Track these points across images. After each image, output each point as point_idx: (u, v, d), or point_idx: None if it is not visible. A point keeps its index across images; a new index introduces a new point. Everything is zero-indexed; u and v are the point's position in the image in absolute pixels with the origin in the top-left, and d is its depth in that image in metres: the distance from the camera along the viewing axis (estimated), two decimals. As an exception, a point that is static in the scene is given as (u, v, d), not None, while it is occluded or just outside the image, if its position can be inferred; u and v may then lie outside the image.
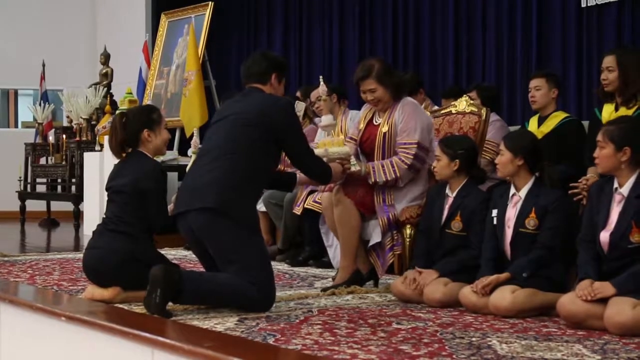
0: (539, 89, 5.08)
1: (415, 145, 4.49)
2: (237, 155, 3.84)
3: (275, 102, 3.98)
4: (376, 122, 4.68)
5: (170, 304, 3.65)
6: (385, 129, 4.58)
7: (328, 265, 5.45)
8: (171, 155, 8.08)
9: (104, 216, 4.25)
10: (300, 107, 6.22)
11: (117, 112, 6.24)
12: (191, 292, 3.66)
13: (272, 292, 3.82)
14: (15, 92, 12.81)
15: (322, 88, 4.71)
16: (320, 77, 4.76)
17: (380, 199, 4.52)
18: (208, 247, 3.83)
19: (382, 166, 4.49)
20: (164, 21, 9.75)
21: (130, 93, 8.87)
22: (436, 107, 5.93)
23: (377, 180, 4.47)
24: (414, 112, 4.57)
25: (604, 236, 3.53)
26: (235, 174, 3.80)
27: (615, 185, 3.58)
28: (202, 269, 4.04)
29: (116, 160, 4.34)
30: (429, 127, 4.62)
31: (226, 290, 3.72)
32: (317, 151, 4.34)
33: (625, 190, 3.53)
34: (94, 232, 4.24)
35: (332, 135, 4.53)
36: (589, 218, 3.66)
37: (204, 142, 4.10)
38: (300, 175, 4.25)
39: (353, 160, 4.45)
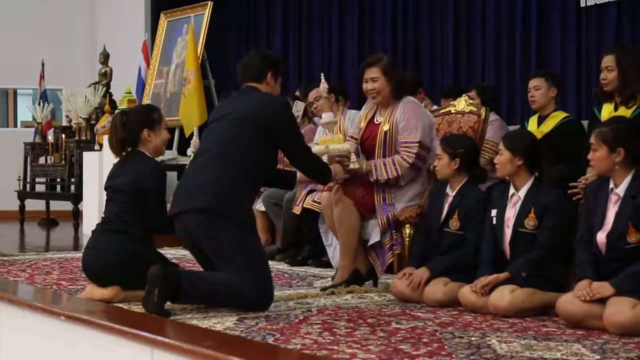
0: (538, 89, 5.09)
1: (417, 144, 4.49)
2: (233, 156, 3.83)
3: (271, 101, 3.97)
4: (377, 120, 4.68)
5: (168, 303, 3.65)
6: (386, 127, 4.58)
7: (327, 264, 5.45)
8: (170, 154, 8.08)
9: (103, 215, 4.24)
10: (300, 106, 6.22)
11: (117, 110, 6.23)
12: (189, 291, 3.66)
13: (270, 291, 3.82)
14: (15, 92, 12.81)
15: (323, 85, 4.70)
16: (322, 74, 4.75)
17: (381, 198, 4.52)
18: (204, 248, 3.83)
19: (384, 164, 4.49)
20: (163, 21, 9.75)
21: (130, 92, 8.87)
22: (435, 107, 5.94)
23: (379, 178, 4.47)
24: (416, 111, 4.58)
25: (601, 237, 3.52)
26: (231, 174, 3.80)
27: (611, 185, 3.57)
28: (201, 269, 4.04)
29: (115, 160, 4.34)
30: (430, 126, 4.63)
31: (224, 290, 3.72)
32: (317, 148, 4.34)
33: (621, 190, 3.53)
34: (93, 232, 4.24)
35: (332, 133, 4.53)
36: (585, 219, 3.66)
37: (201, 142, 4.10)
38: (300, 173, 4.24)
39: (353, 157, 4.44)
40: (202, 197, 3.77)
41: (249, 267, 3.73)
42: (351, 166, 4.41)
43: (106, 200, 4.25)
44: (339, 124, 5.71)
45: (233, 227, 3.75)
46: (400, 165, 4.47)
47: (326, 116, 4.58)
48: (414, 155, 4.48)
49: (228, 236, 3.74)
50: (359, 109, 5.11)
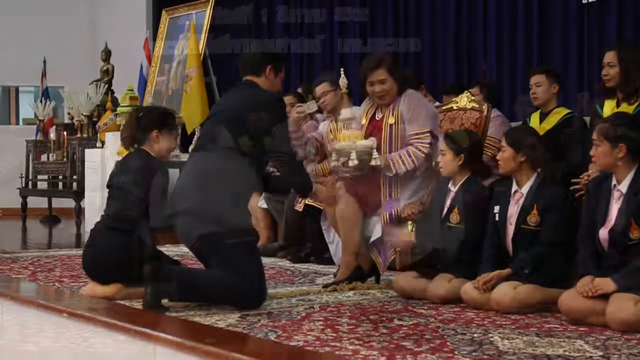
0: (539, 85, 5.07)
1: (428, 134, 4.46)
2: (221, 155, 3.81)
3: (262, 98, 3.94)
4: (378, 117, 4.66)
5: (166, 301, 3.65)
6: (391, 121, 4.54)
7: (329, 261, 5.45)
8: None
9: (103, 213, 4.25)
10: (312, 106, 6.19)
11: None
12: (183, 288, 3.65)
13: (262, 288, 3.81)
14: (17, 89, 12.82)
15: (342, 81, 4.63)
16: (342, 69, 4.69)
17: (387, 193, 4.49)
18: (199, 247, 3.82)
19: (400, 157, 4.43)
20: (164, 18, 9.74)
21: (132, 90, 8.87)
22: (437, 104, 5.93)
23: (398, 171, 4.42)
24: (419, 102, 4.57)
25: (603, 233, 3.52)
26: (217, 174, 3.78)
27: (614, 182, 3.57)
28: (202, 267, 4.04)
29: (118, 157, 4.35)
30: (435, 115, 4.62)
31: (218, 287, 3.72)
32: (344, 144, 4.30)
33: (623, 186, 3.52)
34: (92, 231, 4.24)
35: (349, 129, 4.47)
36: (587, 215, 3.65)
37: (196, 140, 4.11)
38: None
39: (375, 153, 4.38)
40: (189, 198, 3.77)
41: (242, 266, 3.71)
42: (373, 163, 4.37)
43: (107, 198, 4.25)
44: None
45: (223, 227, 3.72)
46: (416, 157, 4.42)
47: (345, 112, 4.54)
48: (428, 145, 4.44)
49: (218, 236, 3.72)
50: (359, 105, 5.08)
